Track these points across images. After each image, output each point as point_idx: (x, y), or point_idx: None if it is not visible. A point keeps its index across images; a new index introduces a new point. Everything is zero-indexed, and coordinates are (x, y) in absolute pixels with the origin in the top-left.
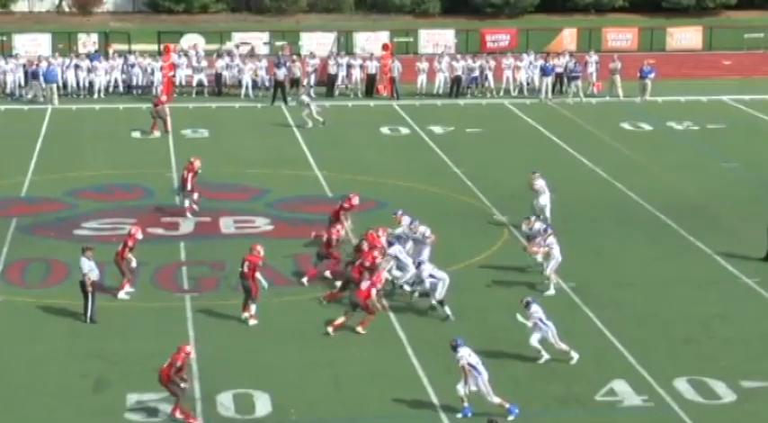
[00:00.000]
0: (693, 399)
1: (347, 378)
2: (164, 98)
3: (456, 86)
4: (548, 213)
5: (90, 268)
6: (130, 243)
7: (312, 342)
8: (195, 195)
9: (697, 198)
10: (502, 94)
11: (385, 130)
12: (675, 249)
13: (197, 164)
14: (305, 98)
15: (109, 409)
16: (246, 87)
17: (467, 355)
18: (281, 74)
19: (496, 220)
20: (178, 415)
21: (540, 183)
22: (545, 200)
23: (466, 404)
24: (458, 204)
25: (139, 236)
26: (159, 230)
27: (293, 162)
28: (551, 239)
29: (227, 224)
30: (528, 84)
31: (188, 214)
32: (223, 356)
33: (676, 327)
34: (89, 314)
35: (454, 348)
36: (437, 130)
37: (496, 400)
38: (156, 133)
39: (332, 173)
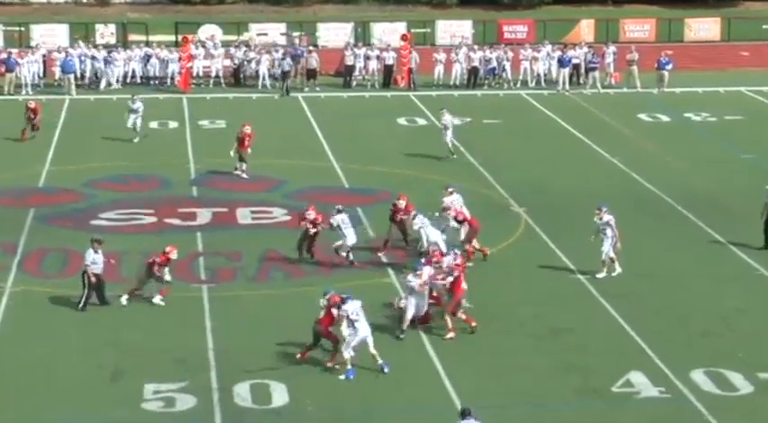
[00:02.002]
0: (710, 390)
1: (364, 369)
2: (32, 104)
3: (473, 77)
4: (449, 143)
5: (92, 261)
6: (161, 259)
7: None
8: (244, 165)
9: (715, 190)
10: (519, 85)
11: (402, 120)
12: (693, 241)
13: (245, 130)
14: (137, 104)
15: (126, 399)
16: (263, 78)
17: (351, 310)
18: (287, 65)
19: (513, 211)
20: None
21: (447, 117)
22: (449, 135)
23: (349, 366)
24: (474, 195)
25: (174, 256)
26: (176, 221)
27: (310, 153)
28: (608, 217)
29: (243, 215)
30: (545, 75)
31: (242, 174)
32: (240, 347)
33: (694, 318)
34: (81, 303)
35: (343, 301)
36: (454, 121)
37: (347, 355)
38: (27, 135)
39: (349, 163)
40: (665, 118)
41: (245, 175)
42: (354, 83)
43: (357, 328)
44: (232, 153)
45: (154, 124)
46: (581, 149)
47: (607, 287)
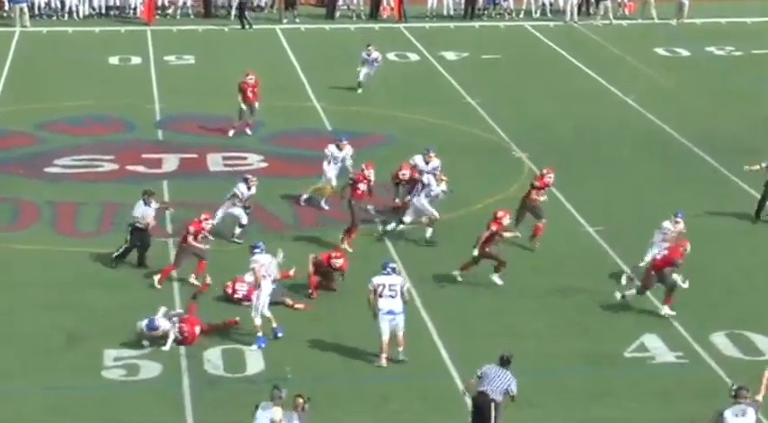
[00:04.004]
0: (733, 355)
1: (348, 333)
2: None
3: (471, 7)
4: (361, 77)
5: (141, 214)
6: (499, 230)
7: (304, 293)
8: (251, 119)
9: (740, 132)
10: (522, 15)
11: (392, 56)
12: (715, 189)
13: (246, 80)
14: None
15: (84, 366)
16: (237, 8)
17: (260, 263)
18: None
19: (515, 157)
20: None
21: (376, 54)
22: (365, 71)
23: (260, 334)
24: (473, 139)
25: (506, 221)
26: (139, 168)
27: (289, 92)
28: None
29: (215, 161)
30: (551, 4)
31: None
32: (210, 308)
33: (715, 276)
34: (115, 254)
35: (252, 248)
36: (450, 56)
37: (258, 321)
38: None
39: (332, 104)
40: (684, 52)
41: (248, 131)
42: (338, 13)
43: (262, 286)
44: (244, 107)
45: (114, 60)
46: (591, 87)
47: (619, 241)
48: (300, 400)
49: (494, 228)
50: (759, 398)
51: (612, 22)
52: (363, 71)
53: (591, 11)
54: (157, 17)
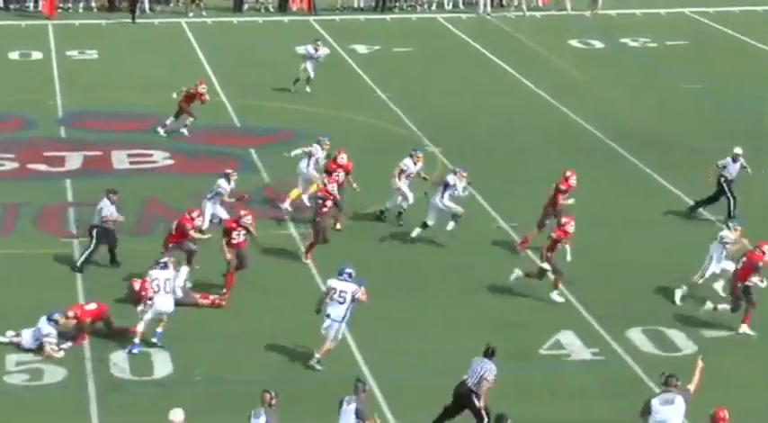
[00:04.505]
0: (649, 351)
1: (260, 332)
2: None
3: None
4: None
5: (110, 213)
6: (563, 238)
7: (219, 292)
8: (188, 120)
9: (654, 125)
10: (434, 7)
11: (301, 49)
12: (630, 184)
13: (199, 89)
14: None
15: None
16: (142, 1)
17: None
18: None
19: (427, 152)
20: None
21: (322, 51)
22: (311, 67)
23: (137, 340)
24: (384, 134)
25: (570, 229)
26: (41, 167)
27: None
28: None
29: (119, 159)
30: None
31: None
32: (116, 310)
33: (631, 272)
34: (82, 260)
35: (160, 265)
36: (361, 49)
37: (140, 328)
38: None
39: (240, 99)
40: (598, 44)
41: (185, 131)
42: (246, 6)
43: (154, 300)
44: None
45: (14, 55)
46: (504, 80)
47: (535, 237)
48: (268, 396)
49: (561, 236)
50: (691, 387)
51: (526, 14)
52: (304, 67)
53: (504, 2)
54: (59, 11)
